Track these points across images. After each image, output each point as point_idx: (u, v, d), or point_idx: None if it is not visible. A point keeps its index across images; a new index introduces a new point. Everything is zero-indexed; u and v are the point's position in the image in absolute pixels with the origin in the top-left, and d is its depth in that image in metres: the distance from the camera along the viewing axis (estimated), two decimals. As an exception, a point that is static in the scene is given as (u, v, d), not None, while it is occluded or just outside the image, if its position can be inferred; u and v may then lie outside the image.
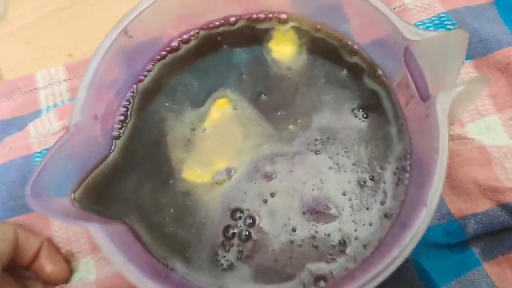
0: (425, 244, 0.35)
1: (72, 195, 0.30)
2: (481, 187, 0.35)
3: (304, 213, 0.31)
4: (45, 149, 0.40)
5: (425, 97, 0.27)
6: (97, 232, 0.26)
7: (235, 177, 0.32)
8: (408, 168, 0.30)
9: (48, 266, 0.35)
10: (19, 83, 0.44)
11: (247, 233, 0.30)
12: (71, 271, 0.37)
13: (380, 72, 0.33)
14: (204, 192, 0.32)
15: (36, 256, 0.35)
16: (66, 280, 0.36)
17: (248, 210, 0.31)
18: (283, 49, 0.35)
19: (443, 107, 0.26)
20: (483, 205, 0.35)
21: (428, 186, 0.25)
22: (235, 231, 0.31)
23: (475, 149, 0.36)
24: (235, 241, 0.30)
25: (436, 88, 0.27)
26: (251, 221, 0.31)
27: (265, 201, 0.31)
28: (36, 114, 0.43)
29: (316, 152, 0.32)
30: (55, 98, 0.43)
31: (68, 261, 0.37)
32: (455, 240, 0.35)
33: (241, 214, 0.31)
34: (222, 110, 0.34)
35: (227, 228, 0.31)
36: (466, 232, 0.35)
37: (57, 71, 0.44)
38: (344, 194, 0.31)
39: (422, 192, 0.26)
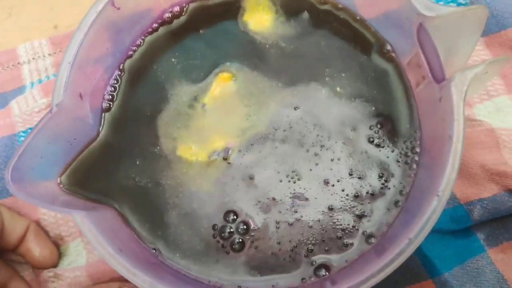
0: (429, 230, 0.34)
1: (59, 178, 0.28)
2: (488, 171, 0.34)
3: (307, 198, 0.29)
4: (30, 128, 0.38)
5: (439, 79, 0.26)
6: (82, 220, 0.25)
7: (232, 158, 0.30)
8: (416, 155, 0.29)
9: (36, 249, 0.34)
10: (0, 57, 0.41)
11: (244, 226, 0.29)
12: (60, 255, 0.36)
13: (388, 47, 0.31)
14: (198, 173, 0.30)
15: (22, 238, 0.34)
16: (55, 264, 0.35)
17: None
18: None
19: (459, 90, 0.24)
20: (490, 190, 0.34)
21: (441, 175, 0.24)
22: (232, 218, 0.29)
23: (484, 131, 0.35)
24: (230, 229, 0.29)
25: (450, 69, 0.25)
26: (245, 223, 0.29)
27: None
28: (20, 90, 0.41)
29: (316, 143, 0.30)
30: (40, 74, 0.41)
31: (57, 245, 0.36)
32: (460, 226, 0.35)
33: (235, 216, 0.29)
34: (224, 85, 0.32)
35: (225, 215, 0.29)
36: (472, 217, 0.34)
37: (41, 44, 0.42)
38: (351, 174, 0.29)
39: (433, 182, 0.24)
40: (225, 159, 0.30)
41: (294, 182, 0.29)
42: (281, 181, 0.30)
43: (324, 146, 0.30)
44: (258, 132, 0.31)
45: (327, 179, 0.29)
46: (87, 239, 0.25)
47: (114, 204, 0.30)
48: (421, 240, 0.23)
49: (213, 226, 0.29)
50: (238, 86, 0.32)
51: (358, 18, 0.32)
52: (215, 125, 0.31)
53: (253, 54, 0.32)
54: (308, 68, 0.32)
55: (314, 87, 0.31)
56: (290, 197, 0.29)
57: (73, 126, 0.28)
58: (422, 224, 0.24)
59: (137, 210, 0.30)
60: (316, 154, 0.30)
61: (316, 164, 0.30)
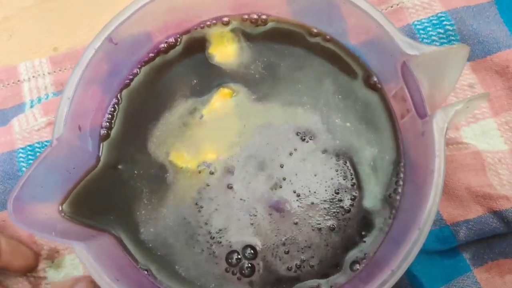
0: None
1: (60, 206, 0.29)
2: (474, 193, 0.35)
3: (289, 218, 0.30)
4: (29, 145, 0.39)
5: (421, 114, 0.27)
6: (82, 251, 0.26)
7: (217, 175, 0.32)
8: (400, 183, 0.30)
9: (14, 262, 0.35)
10: (1, 75, 0.42)
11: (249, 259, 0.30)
12: (37, 258, 0.37)
13: (375, 79, 0.32)
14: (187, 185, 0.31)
15: None
16: (37, 265, 0.37)
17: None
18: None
19: (440, 127, 0.25)
20: (475, 212, 0.35)
21: (422, 209, 0.25)
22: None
23: (470, 154, 0.36)
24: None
25: (433, 104, 0.26)
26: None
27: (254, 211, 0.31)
28: (20, 107, 0.41)
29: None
30: (40, 92, 0.42)
31: (52, 258, 0.37)
32: (446, 246, 0.35)
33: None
34: (224, 100, 0.33)
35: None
36: (458, 238, 0.35)
37: (41, 63, 0.42)
38: (332, 199, 0.31)
39: (415, 214, 0.25)
40: (211, 173, 0.32)
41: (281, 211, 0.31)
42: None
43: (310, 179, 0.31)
44: (248, 150, 0.32)
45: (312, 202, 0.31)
46: (86, 268, 0.26)
47: (113, 230, 0.30)
48: (403, 270, 0.24)
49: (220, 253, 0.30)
50: (236, 103, 0.33)
51: (345, 49, 0.33)
52: (209, 137, 0.32)
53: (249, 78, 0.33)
54: (303, 94, 0.33)
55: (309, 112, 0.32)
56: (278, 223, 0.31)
57: (72, 155, 0.29)
58: (404, 255, 0.25)
59: (135, 235, 0.31)
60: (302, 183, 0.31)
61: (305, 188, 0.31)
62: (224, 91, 0.33)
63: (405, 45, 0.26)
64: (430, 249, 0.35)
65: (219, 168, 0.32)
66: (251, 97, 0.33)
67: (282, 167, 0.31)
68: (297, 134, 0.32)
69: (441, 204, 0.36)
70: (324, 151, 0.31)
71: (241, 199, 0.31)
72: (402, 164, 0.30)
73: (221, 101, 0.33)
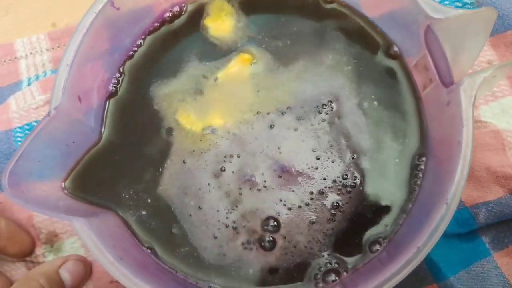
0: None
1: (63, 183, 0.28)
2: (494, 174, 0.34)
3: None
4: (26, 124, 0.38)
5: (447, 82, 0.25)
6: (82, 227, 0.25)
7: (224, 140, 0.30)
8: (423, 159, 0.28)
9: (10, 247, 0.34)
10: (-3, 52, 0.41)
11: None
12: (34, 243, 0.36)
13: (395, 49, 0.30)
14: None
15: None
16: (32, 250, 0.36)
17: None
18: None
19: (468, 95, 0.24)
20: (495, 193, 0.34)
21: (450, 182, 0.23)
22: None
23: (489, 133, 0.35)
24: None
25: (457, 71, 0.25)
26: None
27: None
28: (17, 85, 0.41)
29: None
30: (37, 69, 0.41)
31: (51, 242, 0.36)
32: (465, 230, 0.34)
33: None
34: (242, 66, 0.31)
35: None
36: (477, 221, 0.34)
37: (39, 39, 0.41)
38: (345, 179, 0.29)
39: (441, 188, 0.24)
40: (216, 139, 0.30)
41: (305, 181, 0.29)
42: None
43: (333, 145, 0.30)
44: (259, 120, 0.30)
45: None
46: (87, 246, 0.24)
47: (116, 207, 0.29)
48: (429, 248, 0.23)
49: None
50: (254, 70, 0.31)
51: (364, 18, 0.31)
52: (220, 102, 0.31)
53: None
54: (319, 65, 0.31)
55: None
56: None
57: (71, 129, 0.28)
58: (430, 232, 0.23)
59: (138, 213, 0.29)
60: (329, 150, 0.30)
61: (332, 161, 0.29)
62: (244, 56, 0.32)
63: (430, 8, 0.25)
64: (449, 233, 0.34)
65: (224, 134, 0.30)
66: (270, 66, 0.31)
67: (292, 140, 0.30)
68: (316, 106, 0.30)
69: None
70: (340, 125, 0.30)
71: (244, 169, 0.29)
72: (425, 138, 0.28)
73: (239, 66, 0.31)
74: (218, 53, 0.32)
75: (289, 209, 0.29)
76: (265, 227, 0.28)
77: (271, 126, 0.30)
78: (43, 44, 0.41)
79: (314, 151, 0.29)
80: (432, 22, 0.25)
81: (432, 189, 0.26)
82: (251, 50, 0.31)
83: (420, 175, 0.28)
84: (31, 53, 0.41)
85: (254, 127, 0.30)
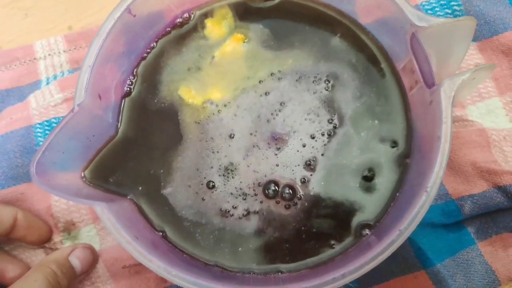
0: (422, 223, 0.34)
1: (83, 173, 0.30)
2: (479, 169, 0.36)
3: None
4: (45, 121, 0.40)
5: (429, 84, 0.27)
6: (103, 210, 0.27)
7: (224, 114, 0.33)
8: (409, 153, 0.31)
9: (28, 236, 0.36)
10: (17, 53, 0.43)
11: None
12: (51, 232, 0.38)
13: (385, 53, 0.33)
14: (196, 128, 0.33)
15: (12, 227, 0.36)
16: (49, 238, 0.38)
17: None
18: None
19: (447, 95, 0.26)
20: (480, 187, 0.36)
21: (429, 173, 0.26)
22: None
23: (475, 131, 0.37)
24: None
25: (441, 75, 0.27)
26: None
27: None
28: (36, 85, 0.43)
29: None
30: (55, 69, 0.43)
31: (68, 230, 0.38)
32: (451, 220, 0.36)
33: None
34: (236, 44, 0.34)
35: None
36: (463, 212, 0.36)
37: (57, 41, 0.43)
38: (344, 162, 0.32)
39: (423, 178, 0.26)
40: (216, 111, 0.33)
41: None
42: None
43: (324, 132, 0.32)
44: (253, 93, 0.33)
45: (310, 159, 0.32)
46: (107, 227, 0.27)
47: (131, 195, 0.32)
48: (410, 231, 0.25)
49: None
50: (247, 48, 0.34)
51: (357, 24, 0.34)
52: (217, 78, 0.33)
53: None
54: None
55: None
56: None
57: (92, 123, 0.30)
58: (412, 217, 0.26)
59: (151, 199, 0.32)
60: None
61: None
62: (237, 36, 0.34)
63: (414, 17, 0.27)
64: (436, 223, 0.36)
65: (222, 107, 0.33)
66: (262, 44, 0.34)
67: (284, 114, 0.32)
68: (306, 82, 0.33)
69: (446, 179, 0.37)
70: (330, 110, 0.33)
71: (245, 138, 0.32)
72: (410, 134, 0.31)
73: (233, 45, 0.34)
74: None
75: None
76: (282, 194, 0.31)
77: (266, 93, 0.33)
78: (60, 46, 0.43)
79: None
80: (417, 30, 0.27)
81: (416, 180, 0.28)
82: (244, 31, 0.34)
83: (406, 167, 0.30)
84: (49, 54, 0.43)
85: (249, 95, 0.33)
